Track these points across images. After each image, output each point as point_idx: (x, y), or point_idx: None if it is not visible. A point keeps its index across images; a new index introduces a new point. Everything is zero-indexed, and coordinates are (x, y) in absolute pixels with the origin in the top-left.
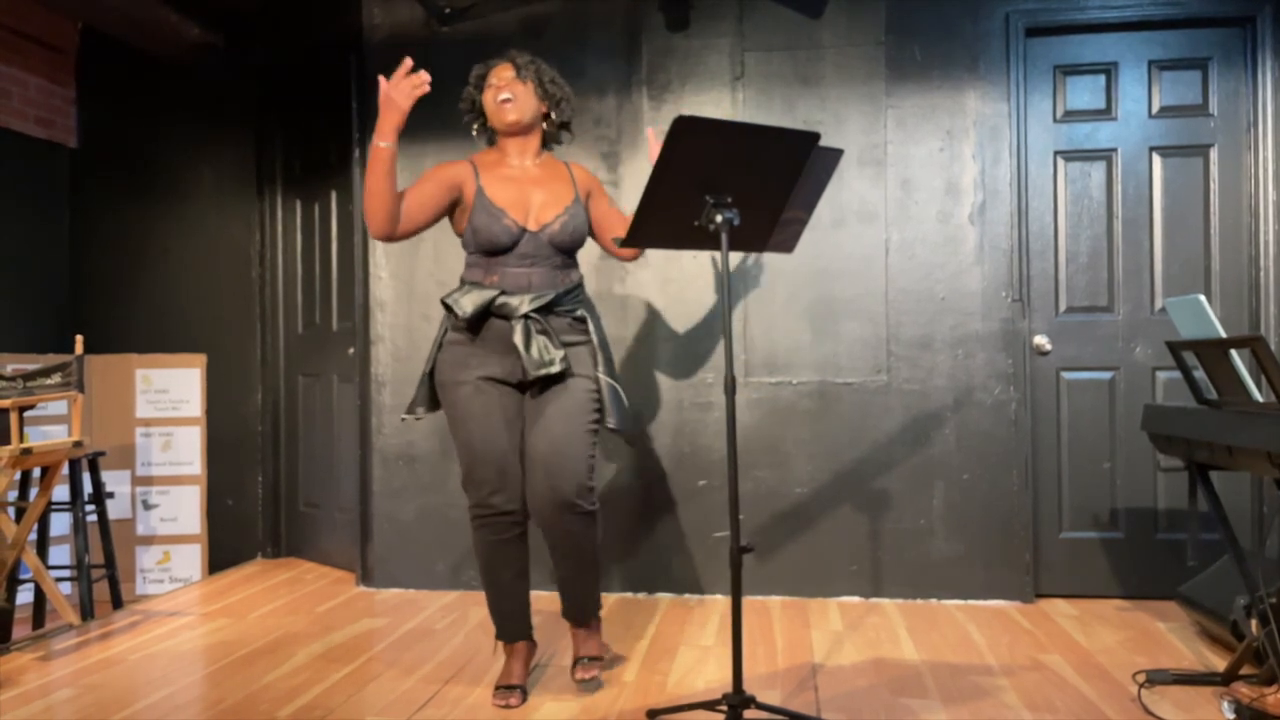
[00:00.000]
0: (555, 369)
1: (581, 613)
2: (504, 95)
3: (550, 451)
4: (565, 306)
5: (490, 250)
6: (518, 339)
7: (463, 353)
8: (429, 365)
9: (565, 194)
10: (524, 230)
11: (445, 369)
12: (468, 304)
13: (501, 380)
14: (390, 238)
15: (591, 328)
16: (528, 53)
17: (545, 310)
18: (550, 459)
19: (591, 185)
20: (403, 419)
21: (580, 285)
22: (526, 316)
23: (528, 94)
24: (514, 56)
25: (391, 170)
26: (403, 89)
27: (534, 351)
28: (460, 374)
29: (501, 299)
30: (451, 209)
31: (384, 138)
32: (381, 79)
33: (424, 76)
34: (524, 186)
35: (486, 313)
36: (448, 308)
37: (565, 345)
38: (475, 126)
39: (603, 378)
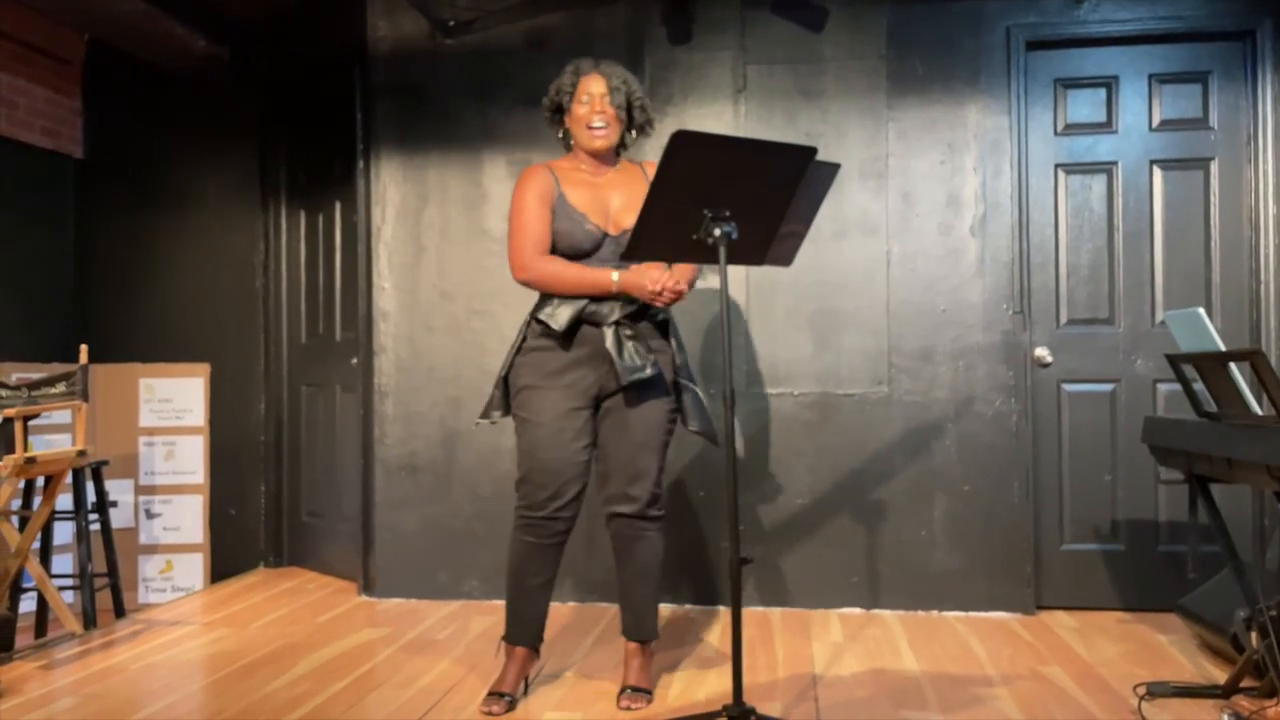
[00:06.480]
0: (647, 374)
1: (640, 628)
2: (597, 124)
3: (630, 459)
4: (651, 311)
5: (573, 255)
6: (609, 345)
7: (547, 359)
8: (505, 370)
9: (641, 197)
10: (605, 235)
11: (524, 373)
12: (563, 317)
13: (581, 391)
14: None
15: (673, 333)
16: (620, 67)
17: (634, 317)
18: (630, 467)
19: None
20: (476, 424)
21: None
22: (617, 323)
23: (615, 119)
24: (607, 71)
25: (583, 288)
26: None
27: (626, 357)
28: (540, 379)
29: (591, 307)
30: None
31: (618, 286)
32: (651, 284)
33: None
34: (601, 191)
35: (578, 322)
36: (543, 324)
37: (651, 351)
38: (561, 134)
39: (684, 383)
